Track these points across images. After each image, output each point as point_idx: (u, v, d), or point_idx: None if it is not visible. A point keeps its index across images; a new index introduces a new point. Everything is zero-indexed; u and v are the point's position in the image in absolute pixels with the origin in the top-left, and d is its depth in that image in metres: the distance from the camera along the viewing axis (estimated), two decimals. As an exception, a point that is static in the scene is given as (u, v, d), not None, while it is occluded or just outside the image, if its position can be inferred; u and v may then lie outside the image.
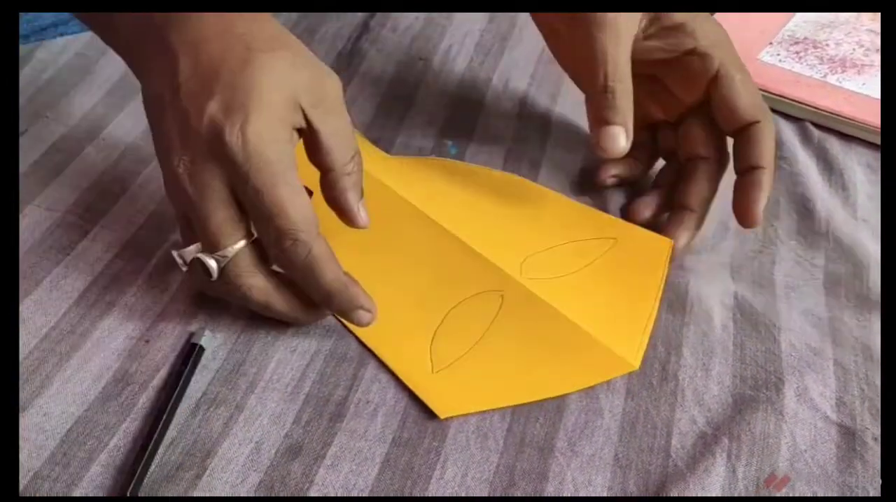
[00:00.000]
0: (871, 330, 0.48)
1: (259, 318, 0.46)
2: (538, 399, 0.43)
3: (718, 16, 0.69)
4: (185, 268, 0.44)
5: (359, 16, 0.70)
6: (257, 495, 0.39)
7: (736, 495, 0.40)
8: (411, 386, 0.43)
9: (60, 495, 0.38)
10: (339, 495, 0.39)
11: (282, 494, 0.39)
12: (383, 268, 0.48)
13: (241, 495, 0.39)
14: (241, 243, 0.42)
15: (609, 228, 0.52)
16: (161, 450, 0.40)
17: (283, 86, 0.41)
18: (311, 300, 0.44)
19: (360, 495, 0.39)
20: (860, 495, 0.40)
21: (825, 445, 0.42)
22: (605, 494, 0.40)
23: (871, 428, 0.43)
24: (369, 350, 0.45)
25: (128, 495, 0.38)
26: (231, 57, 0.41)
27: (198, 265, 0.42)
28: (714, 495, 0.40)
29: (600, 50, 0.48)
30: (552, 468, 0.41)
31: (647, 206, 0.52)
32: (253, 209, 0.41)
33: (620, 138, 0.48)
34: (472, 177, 0.55)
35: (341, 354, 0.45)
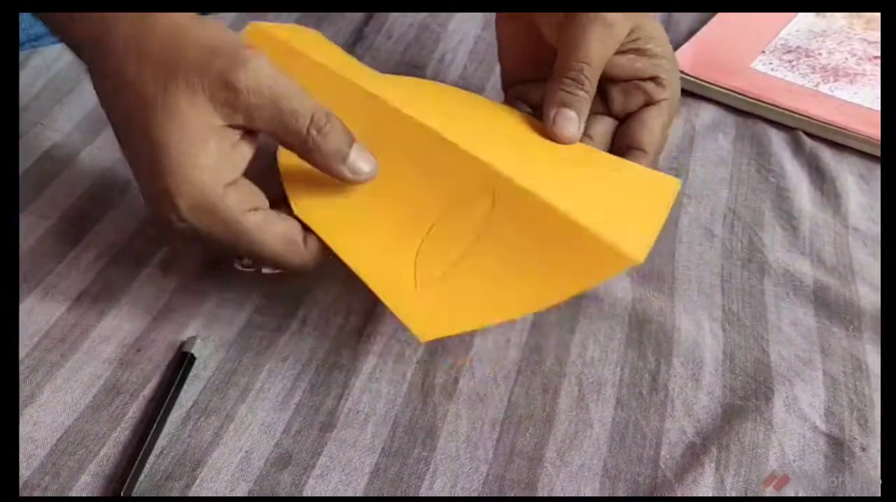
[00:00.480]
0: (861, 339, 0.48)
1: (252, 326, 0.46)
2: (530, 311, 0.40)
3: (717, 20, 0.69)
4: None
5: (353, 23, 0.70)
6: (247, 505, 0.39)
7: (724, 505, 0.40)
8: (390, 307, 0.40)
9: (50, 504, 0.39)
10: (328, 505, 0.39)
11: (271, 504, 0.39)
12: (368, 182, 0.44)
13: (231, 505, 0.39)
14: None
15: (616, 164, 0.48)
16: (151, 460, 0.40)
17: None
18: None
19: (350, 505, 0.39)
20: (848, 505, 0.41)
21: (813, 455, 0.43)
22: (593, 504, 0.40)
23: (859, 438, 0.43)
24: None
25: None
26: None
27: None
28: (702, 506, 0.40)
29: (588, 40, 0.48)
30: (541, 478, 0.41)
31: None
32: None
33: (574, 125, 0.48)
34: (469, 99, 0.52)
35: (332, 363, 0.45)
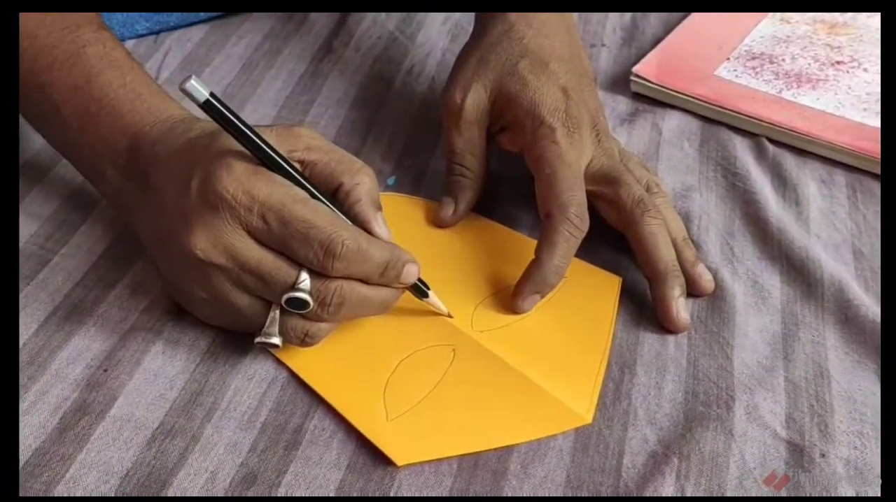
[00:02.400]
0: (825, 345, 0.49)
1: (218, 345, 0.47)
2: (493, 448, 0.43)
3: (682, 28, 0.70)
4: (278, 341, 0.43)
5: (321, 36, 0.70)
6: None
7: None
8: (367, 435, 0.43)
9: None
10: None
11: (237, 523, 0.40)
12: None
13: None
14: (303, 269, 0.42)
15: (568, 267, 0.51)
16: (115, 482, 0.40)
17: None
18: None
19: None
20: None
21: (774, 462, 0.43)
22: (556, 516, 0.41)
23: (819, 444, 0.44)
24: (323, 401, 0.45)
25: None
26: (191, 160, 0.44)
27: (292, 305, 0.42)
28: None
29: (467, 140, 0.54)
30: (505, 491, 0.41)
31: None
32: (287, 242, 0.41)
33: (449, 209, 0.54)
34: (421, 216, 0.55)
35: (299, 381, 0.45)
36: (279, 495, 0.41)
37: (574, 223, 0.49)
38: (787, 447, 0.44)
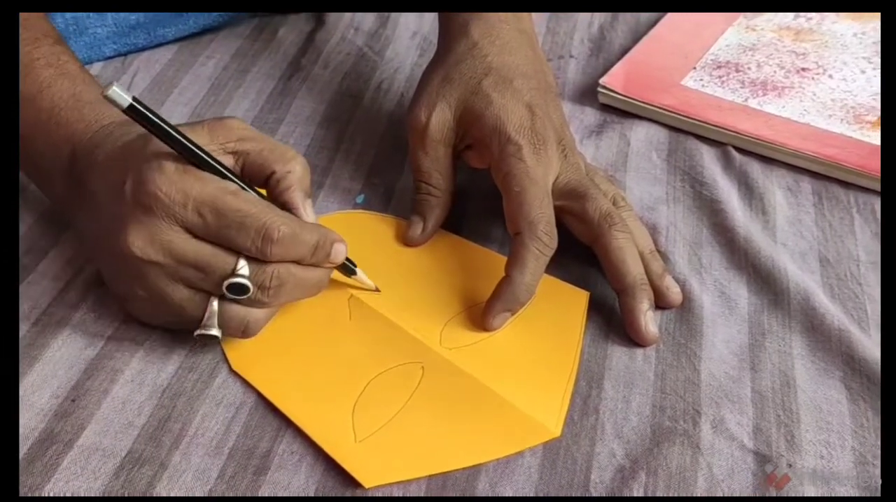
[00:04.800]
0: (791, 354, 0.49)
1: (185, 369, 0.47)
2: (462, 467, 0.43)
3: (649, 38, 0.70)
4: (217, 332, 0.45)
5: (290, 55, 0.70)
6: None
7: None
8: (335, 457, 0.43)
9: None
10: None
11: (205, 551, 0.40)
12: (303, 342, 0.48)
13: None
14: (241, 256, 0.43)
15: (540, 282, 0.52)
16: (83, 514, 0.40)
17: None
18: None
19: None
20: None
21: (742, 473, 0.43)
22: (524, 535, 0.41)
23: (786, 454, 0.44)
24: (291, 424, 0.45)
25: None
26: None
27: (233, 291, 0.43)
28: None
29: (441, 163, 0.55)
30: (474, 510, 0.42)
31: None
32: (224, 233, 0.43)
33: (417, 229, 0.55)
34: (390, 233, 0.55)
35: (267, 404, 0.46)
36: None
37: (543, 241, 0.49)
38: (755, 458, 0.44)
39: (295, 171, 0.46)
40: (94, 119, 0.49)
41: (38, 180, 0.52)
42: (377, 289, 0.51)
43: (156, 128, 0.42)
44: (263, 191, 0.47)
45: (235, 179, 0.45)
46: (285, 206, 0.46)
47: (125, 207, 0.43)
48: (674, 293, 0.52)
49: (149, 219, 0.43)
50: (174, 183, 0.42)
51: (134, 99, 0.41)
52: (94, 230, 0.47)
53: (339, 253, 0.46)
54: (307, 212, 0.47)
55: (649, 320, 0.49)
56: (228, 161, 0.46)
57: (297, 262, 0.45)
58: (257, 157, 0.46)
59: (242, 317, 0.45)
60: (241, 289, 0.43)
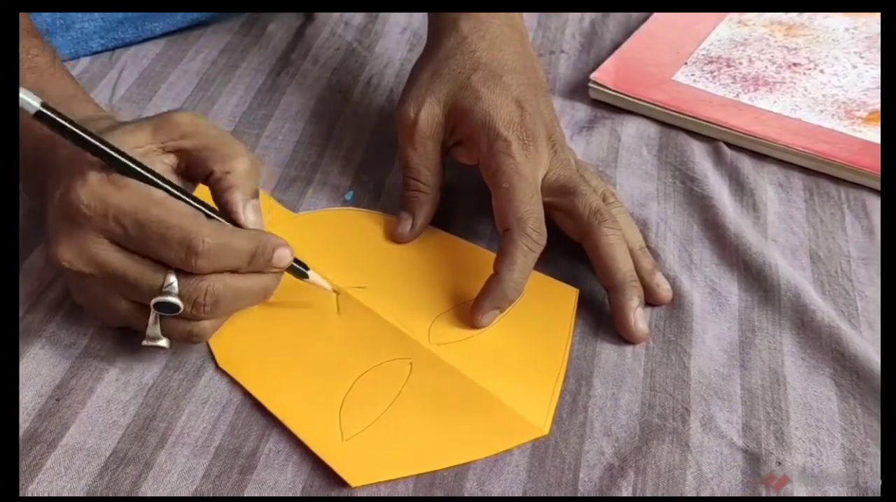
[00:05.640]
0: (781, 351, 0.49)
1: (171, 368, 0.46)
2: (449, 465, 0.43)
3: (640, 33, 0.70)
4: (165, 343, 0.44)
5: (279, 49, 0.70)
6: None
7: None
8: (321, 456, 0.42)
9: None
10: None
11: (190, 551, 0.39)
12: (290, 338, 0.48)
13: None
14: (171, 271, 0.42)
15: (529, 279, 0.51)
16: (66, 514, 0.40)
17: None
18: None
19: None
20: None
21: (731, 471, 0.43)
22: (512, 534, 0.41)
23: (775, 452, 0.44)
24: (278, 423, 0.44)
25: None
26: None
27: (162, 310, 0.42)
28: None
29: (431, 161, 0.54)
30: (461, 509, 0.41)
31: None
32: (147, 244, 0.41)
33: (406, 225, 0.54)
34: (380, 230, 0.55)
35: (254, 402, 0.45)
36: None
37: (532, 237, 0.48)
38: (744, 456, 0.44)
39: (235, 171, 0.44)
40: None
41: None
42: (336, 292, 0.49)
43: (68, 134, 0.41)
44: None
45: (166, 185, 0.42)
46: (224, 209, 0.44)
47: (55, 218, 0.42)
48: (664, 290, 0.51)
49: (75, 231, 0.41)
50: (95, 193, 0.41)
51: (43, 104, 0.39)
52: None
53: (283, 257, 0.44)
54: (247, 215, 0.44)
55: (639, 317, 0.49)
56: (171, 160, 0.44)
57: (236, 272, 0.43)
58: (197, 156, 0.44)
59: (183, 328, 0.44)
60: (170, 307, 0.42)
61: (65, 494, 0.41)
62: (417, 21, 0.73)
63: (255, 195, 0.45)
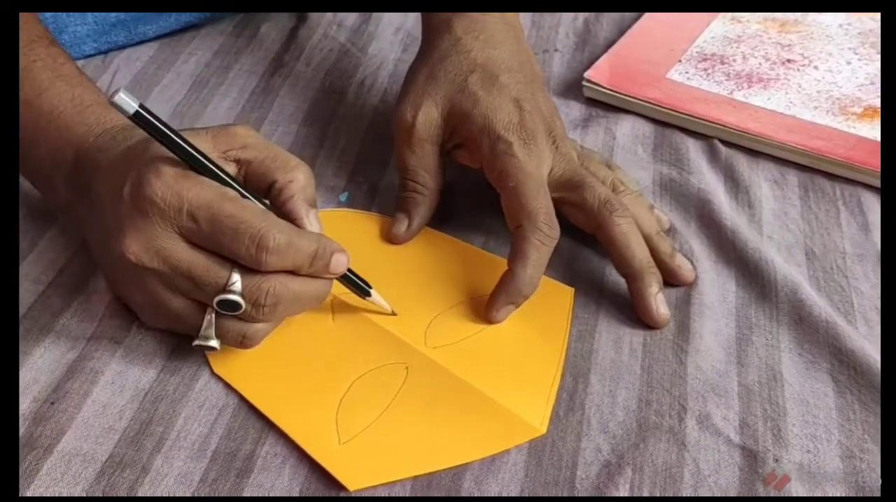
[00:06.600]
0: (778, 348, 0.49)
1: (167, 372, 0.46)
2: (447, 467, 0.43)
3: (634, 31, 0.70)
4: (216, 344, 0.44)
5: (272, 51, 0.70)
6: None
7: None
8: (319, 459, 0.42)
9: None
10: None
11: (188, 555, 0.39)
12: (286, 343, 0.48)
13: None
14: (235, 270, 0.43)
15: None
16: (62, 519, 0.40)
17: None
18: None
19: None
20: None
21: (728, 469, 0.43)
22: (510, 534, 0.41)
23: (772, 449, 0.44)
24: (274, 426, 0.44)
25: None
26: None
27: (224, 308, 0.43)
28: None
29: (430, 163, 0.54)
30: (459, 510, 0.41)
31: None
32: (218, 239, 0.42)
33: (402, 226, 0.54)
34: (375, 231, 0.55)
35: (250, 406, 0.45)
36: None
37: (544, 231, 0.48)
38: (742, 453, 0.44)
39: (297, 181, 0.45)
40: (95, 122, 0.48)
41: (40, 185, 0.51)
42: (394, 313, 0.49)
43: (160, 134, 0.42)
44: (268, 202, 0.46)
45: (237, 186, 0.44)
46: (288, 217, 0.45)
47: (124, 211, 0.43)
48: (686, 271, 0.52)
49: (145, 224, 0.42)
50: (170, 187, 0.42)
51: (140, 105, 0.41)
52: (97, 234, 0.46)
53: (340, 263, 0.45)
54: (310, 221, 0.45)
55: (660, 302, 0.49)
56: (231, 169, 0.45)
57: (295, 273, 0.44)
58: (259, 166, 0.45)
59: (239, 330, 0.44)
60: (233, 305, 0.42)
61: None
62: (411, 22, 0.73)
63: (314, 204, 0.46)
